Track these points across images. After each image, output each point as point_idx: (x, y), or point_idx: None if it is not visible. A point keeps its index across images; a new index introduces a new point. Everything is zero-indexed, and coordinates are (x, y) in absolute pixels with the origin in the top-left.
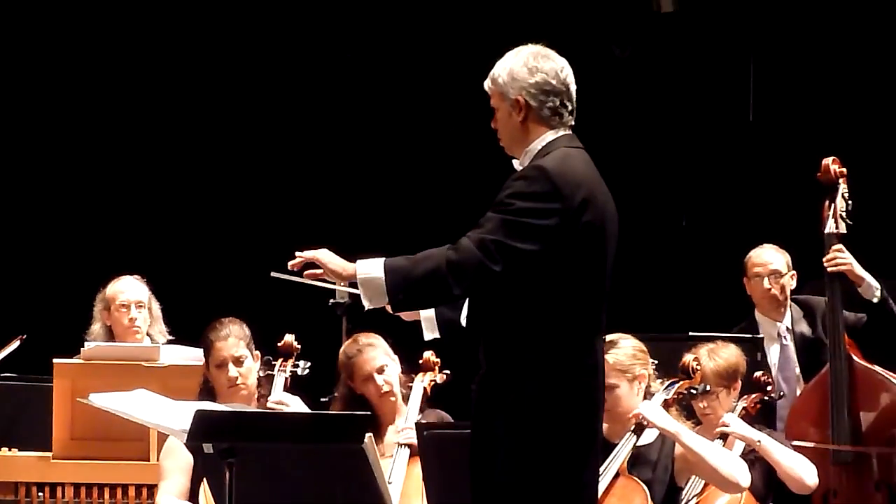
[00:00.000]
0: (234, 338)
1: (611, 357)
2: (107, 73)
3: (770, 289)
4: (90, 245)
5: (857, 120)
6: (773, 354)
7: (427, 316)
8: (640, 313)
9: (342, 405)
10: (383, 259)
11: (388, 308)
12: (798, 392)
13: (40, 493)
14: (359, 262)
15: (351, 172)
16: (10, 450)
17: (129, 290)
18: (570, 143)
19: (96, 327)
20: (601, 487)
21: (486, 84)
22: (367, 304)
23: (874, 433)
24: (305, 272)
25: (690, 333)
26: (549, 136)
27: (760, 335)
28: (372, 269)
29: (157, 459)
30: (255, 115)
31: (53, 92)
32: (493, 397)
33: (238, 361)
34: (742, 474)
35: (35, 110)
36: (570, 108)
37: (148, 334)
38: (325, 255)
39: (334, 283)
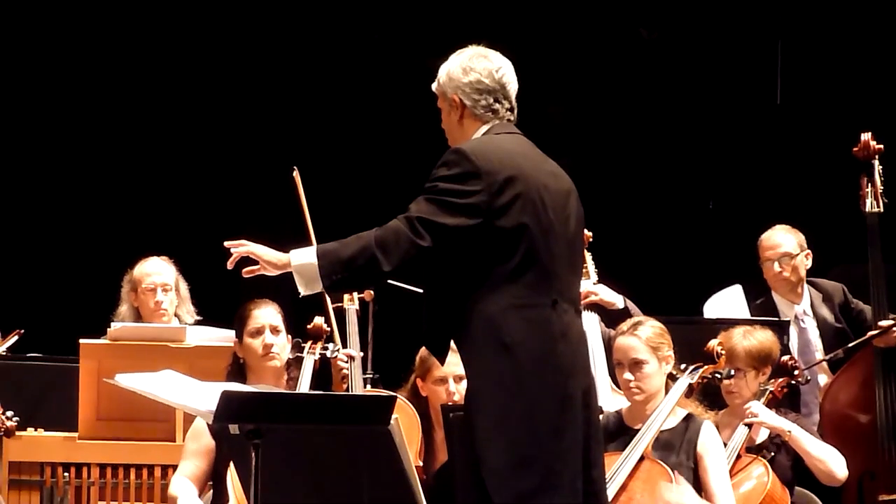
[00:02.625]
0: (271, 308)
1: (642, 333)
2: (130, 51)
3: (781, 272)
4: (117, 225)
5: (885, 103)
6: (791, 337)
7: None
8: (666, 296)
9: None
10: (315, 245)
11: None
12: (820, 376)
13: (66, 474)
14: (292, 251)
15: (366, 155)
16: (35, 430)
17: (155, 271)
18: (501, 130)
19: (123, 308)
20: (626, 471)
21: (433, 86)
22: (302, 291)
23: None
24: (244, 270)
25: (717, 317)
26: (483, 129)
27: (787, 318)
28: (305, 256)
29: (184, 440)
30: (280, 93)
31: (82, 69)
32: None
33: (275, 330)
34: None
35: (65, 87)
36: (506, 105)
37: (176, 315)
38: (258, 249)
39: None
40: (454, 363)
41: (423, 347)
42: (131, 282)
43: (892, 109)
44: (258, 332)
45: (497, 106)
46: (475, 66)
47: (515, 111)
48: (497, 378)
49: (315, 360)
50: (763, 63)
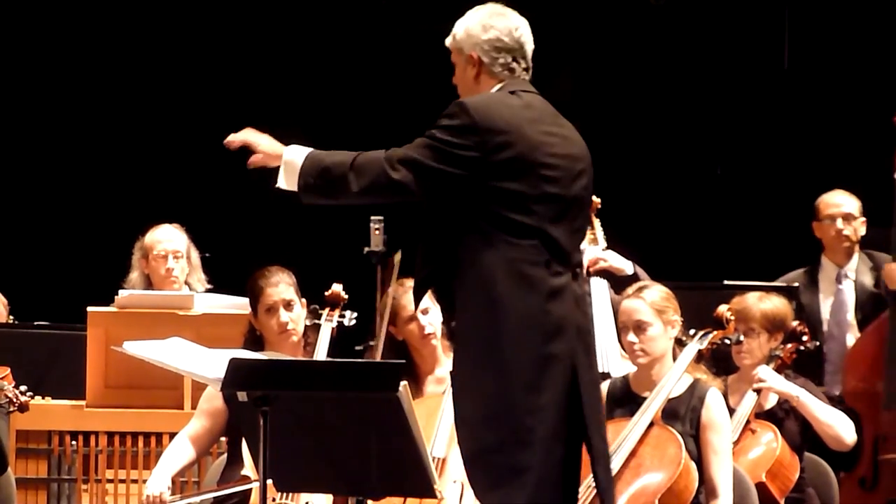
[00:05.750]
0: (283, 284)
1: (647, 296)
2: (141, 17)
3: (843, 230)
4: (125, 192)
5: (893, 64)
6: (827, 297)
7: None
8: (674, 262)
9: (381, 354)
10: (311, 148)
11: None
12: (849, 338)
13: (73, 442)
14: (290, 146)
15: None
16: (43, 398)
17: (167, 238)
18: (516, 87)
19: (134, 275)
20: (635, 436)
21: (448, 41)
22: (280, 184)
23: None
24: (249, 161)
25: (725, 283)
26: (498, 86)
27: (796, 284)
28: (296, 154)
29: (192, 408)
30: (291, 60)
31: (94, 33)
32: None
33: (288, 306)
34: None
35: (77, 51)
36: (523, 64)
37: (187, 283)
38: (256, 138)
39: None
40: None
41: (386, 293)
42: (142, 249)
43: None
44: (271, 309)
45: (514, 65)
46: (495, 23)
47: (531, 71)
48: (478, 332)
49: (332, 328)
50: (771, 28)
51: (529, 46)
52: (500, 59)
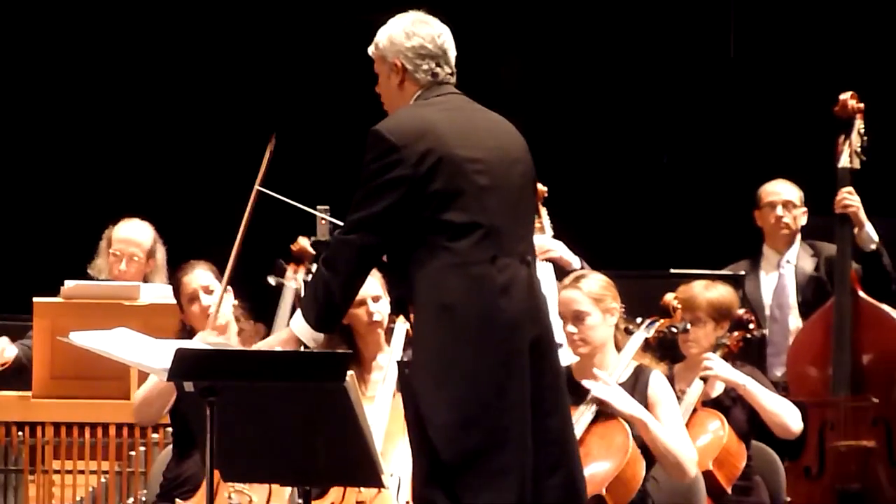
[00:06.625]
0: (199, 270)
1: (584, 286)
2: (108, 11)
3: (783, 217)
4: (73, 182)
5: (839, 54)
6: (769, 282)
7: None
8: (621, 250)
9: (325, 341)
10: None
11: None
12: (791, 320)
13: (20, 433)
14: (290, 321)
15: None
16: None
17: (127, 240)
18: (432, 94)
19: (100, 261)
20: (582, 426)
21: (370, 50)
22: (310, 342)
23: (875, 370)
24: None
25: (672, 271)
26: (417, 93)
27: (742, 272)
28: (295, 319)
29: None
30: (257, 61)
31: (54, 27)
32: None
33: (207, 290)
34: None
35: (34, 49)
36: (447, 69)
37: (148, 280)
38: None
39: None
40: (368, 284)
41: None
42: (108, 240)
43: (848, 58)
44: (192, 297)
45: (438, 70)
46: (418, 31)
47: (455, 76)
48: (438, 339)
49: (296, 288)
50: (716, 16)
51: (452, 52)
52: (423, 65)
